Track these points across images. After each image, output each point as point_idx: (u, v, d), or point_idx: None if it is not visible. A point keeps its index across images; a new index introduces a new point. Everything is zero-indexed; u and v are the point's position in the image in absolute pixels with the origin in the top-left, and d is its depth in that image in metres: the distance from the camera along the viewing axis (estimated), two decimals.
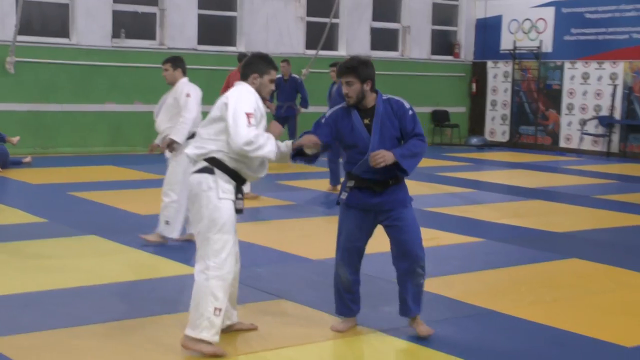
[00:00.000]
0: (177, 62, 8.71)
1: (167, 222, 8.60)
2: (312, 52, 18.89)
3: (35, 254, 8.21)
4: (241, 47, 18.26)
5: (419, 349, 5.63)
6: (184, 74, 8.70)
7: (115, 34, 17.27)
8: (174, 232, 8.63)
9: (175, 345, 5.47)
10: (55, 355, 5.28)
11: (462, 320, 6.30)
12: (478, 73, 22.03)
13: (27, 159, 14.70)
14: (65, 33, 16.93)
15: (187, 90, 8.51)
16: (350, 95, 5.70)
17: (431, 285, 7.19)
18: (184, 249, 8.41)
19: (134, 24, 17.69)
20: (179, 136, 8.40)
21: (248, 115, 5.27)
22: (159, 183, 12.99)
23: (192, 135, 8.48)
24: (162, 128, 8.68)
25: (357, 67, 5.69)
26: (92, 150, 16.85)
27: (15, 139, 14.73)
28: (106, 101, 17.09)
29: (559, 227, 10.16)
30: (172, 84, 8.68)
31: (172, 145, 8.47)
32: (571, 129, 20.15)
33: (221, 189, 5.31)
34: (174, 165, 8.68)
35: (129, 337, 5.66)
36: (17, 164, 14.41)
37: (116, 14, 17.29)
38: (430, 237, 9.26)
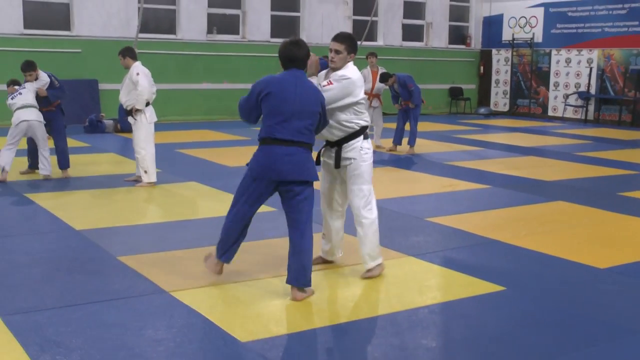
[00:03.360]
0: (125, 52, 8.64)
1: (145, 172, 8.66)
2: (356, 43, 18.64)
3: (151, 196, 8.29)
4: (303, 40, 18.01)
5: (441, 270, 5.56)
6: (134, 59, 8.60)
7: (209, 31, 17.21)
8: (151, 177, 8.67)
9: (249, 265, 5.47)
10: (167, 268, 5.32)
11: (474, 247, 6.20)
12: (485, 58, 21.62)
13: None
14: (172, 30, 16.93)
15: (136, 71, 8.48)
16: None
17: (449, 221, 7.14)
18: None
19: (223, 23, 17.60)
20: (138, 104, 8.51)
21: None
22: (243, 142, 13.10)
23: (147, 104, 8.63)
24: (123, 101, 8.69)
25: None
26: (192, 118, 16.91)
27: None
28: (203, 81, 17.10)
29: (548, 177, 9.95)
30: (127, 68, 8.62)
31: (135, 112, 8.57)
32: (557, 101, 19.72)
33: None
34: (135, 129, 8.70)
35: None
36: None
37: (210, 16, 17.20)
38: (449, 184, 9.19)
